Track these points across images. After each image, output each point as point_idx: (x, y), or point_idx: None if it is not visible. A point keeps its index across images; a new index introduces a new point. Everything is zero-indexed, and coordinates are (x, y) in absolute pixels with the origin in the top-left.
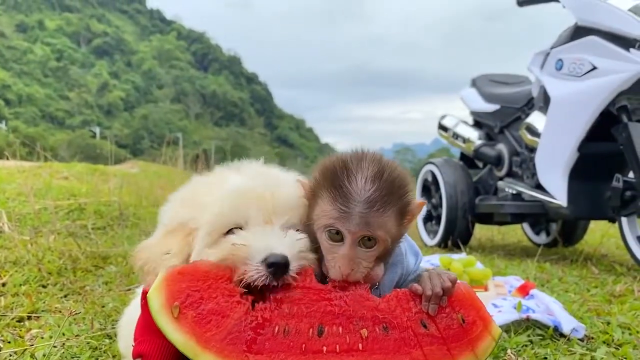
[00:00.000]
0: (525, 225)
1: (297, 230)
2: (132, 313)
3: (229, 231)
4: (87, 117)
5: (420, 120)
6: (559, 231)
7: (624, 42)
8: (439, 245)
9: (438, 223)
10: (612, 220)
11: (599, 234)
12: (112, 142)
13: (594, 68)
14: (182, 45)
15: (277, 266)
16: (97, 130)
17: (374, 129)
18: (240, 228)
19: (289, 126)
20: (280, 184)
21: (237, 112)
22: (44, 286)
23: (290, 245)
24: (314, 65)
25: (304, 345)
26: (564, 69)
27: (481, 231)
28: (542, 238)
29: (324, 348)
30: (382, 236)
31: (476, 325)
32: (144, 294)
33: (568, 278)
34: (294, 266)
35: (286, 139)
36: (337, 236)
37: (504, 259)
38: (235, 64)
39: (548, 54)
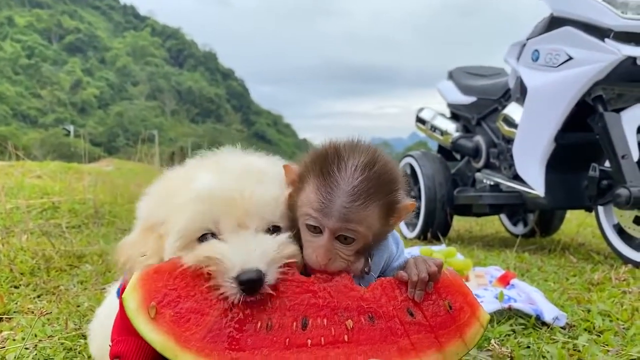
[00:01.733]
0: (503, 217)
1: (275, 227)
2: (104, 314)
3: (202, 236)
4: (60, 115)
5: (397, 115)
6: (536, 221)
7: (599, 32)
8: (418, 237)
9: (417, 216)
10: (589, 209)
11: (575, 223)
12: (87, 140)
13: (570, 58)
14: (157, 41)
15: (251, 283)
16: (71, 128)
17: (352, 124)
18: (213, 233)
19: (266, 122)
20: (255, 181)
21: (213, 108)
22: (16, 287)
23: (266, 254)
24: (291, 61)
25: (287, 339)
26: (540, 60)
27: (459, 223)
28: (520, 229)
29: (309, 341)
30: (362, 232)
31: (464, 312)
32: (122, 291)
33: (547, 267)
34: (270, 277)
35: (264, 135)
36: (315, 228)
37: (483, 250)
38: (211, 60)
39: (524, 45)
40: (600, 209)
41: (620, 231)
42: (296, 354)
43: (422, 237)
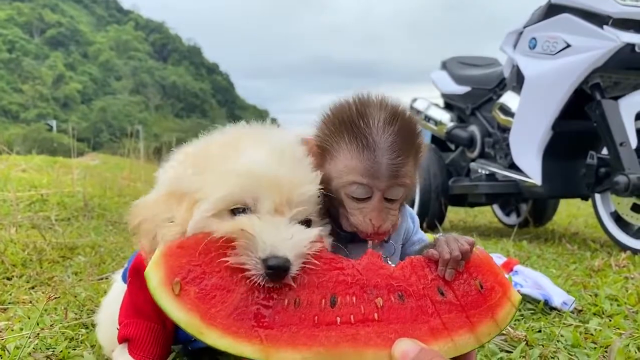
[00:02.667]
0: (496, 207)
1: (309, 221)
2: (111, 303)
3: (235, 209)
4: (43, 110)
5: None
6: (530, 211)
7: (598, 19)
8: None
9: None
10: (585, 198)
11: (565, 214)
12: (73, 134)
13: (568, 46)
14: (141, 35)
15: (277, 270)
16: (54, 123)
17: None
18: (248, 208)
19: (252, 117)
20: (304, 170)
21: (198, 103)
22: (8, 278)
23: (297, 246)
24: (277, 56)
25: (316, 316)
26: (537, 48)
27: (452, 214)
28: (513, 219)
29: (338, 319)
30: (409, 185)
31: (495, 291)
32: (131, 271)
33: (546, 255)
34: (295, 268)
35: None
36: (365, 192)
37: (480, 239)
38: (196, 54)
39: (521, 33)
40: (598, 196)
41: (618, 219)
42: (325, 332)
43: None
